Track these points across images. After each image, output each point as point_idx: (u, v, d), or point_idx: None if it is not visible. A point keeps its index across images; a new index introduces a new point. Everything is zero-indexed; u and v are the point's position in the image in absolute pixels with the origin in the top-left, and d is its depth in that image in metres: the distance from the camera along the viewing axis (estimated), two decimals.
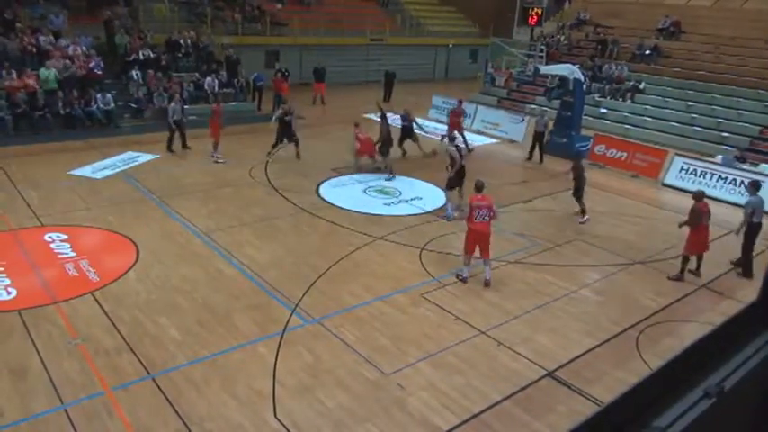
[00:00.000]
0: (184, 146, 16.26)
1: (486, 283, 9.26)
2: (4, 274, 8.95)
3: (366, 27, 29.96)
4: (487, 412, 6.44)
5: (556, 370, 7.24)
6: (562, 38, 28.00)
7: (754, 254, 10.13)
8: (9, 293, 8.44)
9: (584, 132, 18.36)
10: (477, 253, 9.28)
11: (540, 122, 16.88)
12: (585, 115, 19.78)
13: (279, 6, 28.31)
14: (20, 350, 7.12)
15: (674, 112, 21.59)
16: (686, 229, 9.83)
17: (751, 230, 10.03)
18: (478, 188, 9.30)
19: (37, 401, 6.25)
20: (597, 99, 23.35)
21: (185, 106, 19.20)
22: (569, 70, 18.09)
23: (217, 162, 15.19)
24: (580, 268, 10.28)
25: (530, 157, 17.18)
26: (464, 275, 9.40)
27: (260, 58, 26.20)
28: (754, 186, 10.23)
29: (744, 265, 10.20)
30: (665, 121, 21.24)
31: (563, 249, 10.97)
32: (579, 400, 6.71)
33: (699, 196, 9.86)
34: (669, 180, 15.60)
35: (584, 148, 17.59)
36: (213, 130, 15.50)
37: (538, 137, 16.86)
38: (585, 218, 12.29)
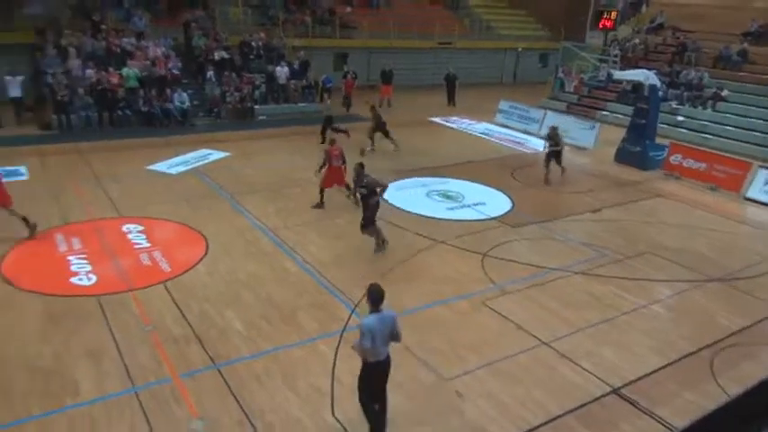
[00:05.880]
0: None
1: None
2: (86, 261, 9.52)
3: (434, 30, 29.90)
4: (547, 426, 6.28)
5: (621, 387, 6.97)
6: (638, 42, 26.96)
7: None
8: (90, 279, 8.97)
9: (659, 141, 17.60)
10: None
11: None
12: (661, 123, 18.94)
13: (348, 9, 28.71)
14: (97, 334, 7.54)
15: (758, 121, 20.34)
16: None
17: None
18: None
19: (110, 383, 6.60)
20: (674, 106, 22.34)
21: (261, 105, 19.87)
22: (645, 76, 17.43)
23: None
24: (650, 282, 9.85)
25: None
26: None
27: (329, 60, 26.65)
28: (375, 300, 5.85)
29: None
30: (748, 131, 20.06)
31: (632, 262, 10.54)
32: (645, 419, 6.43)
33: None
34: (752, 194, 14.68)
35: (659, 157, 16.91)
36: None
37: None
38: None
